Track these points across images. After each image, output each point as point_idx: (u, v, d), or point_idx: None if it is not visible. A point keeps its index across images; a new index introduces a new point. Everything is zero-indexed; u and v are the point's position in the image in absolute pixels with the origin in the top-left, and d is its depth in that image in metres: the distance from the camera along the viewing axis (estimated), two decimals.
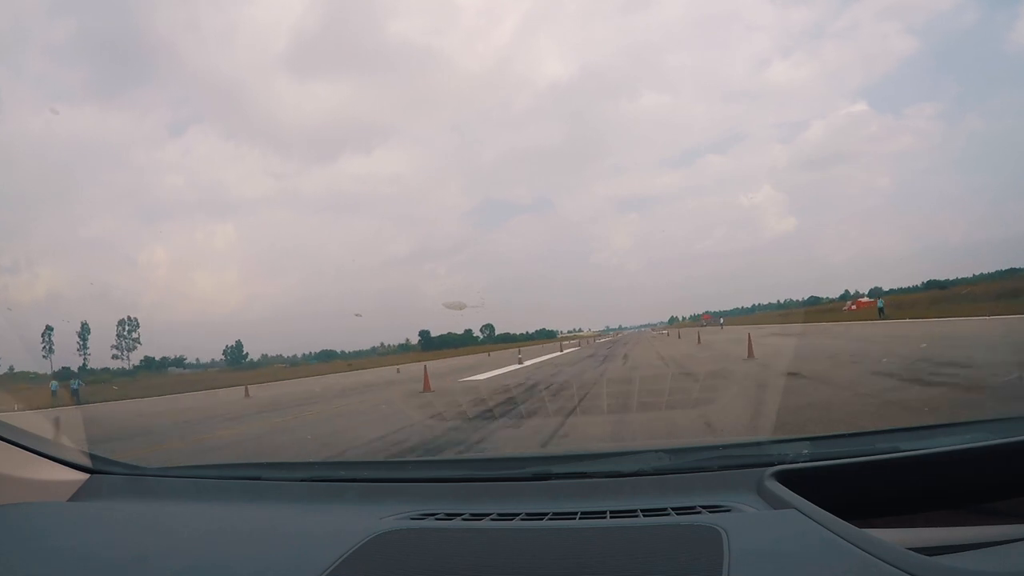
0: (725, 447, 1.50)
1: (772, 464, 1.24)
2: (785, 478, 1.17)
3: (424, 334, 62.83)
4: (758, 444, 1.61)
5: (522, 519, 1.16)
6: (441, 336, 62.36)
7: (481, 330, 66.43)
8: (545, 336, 67.15)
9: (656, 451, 1.45)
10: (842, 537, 0.88)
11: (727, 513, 1.09)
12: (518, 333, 66.15)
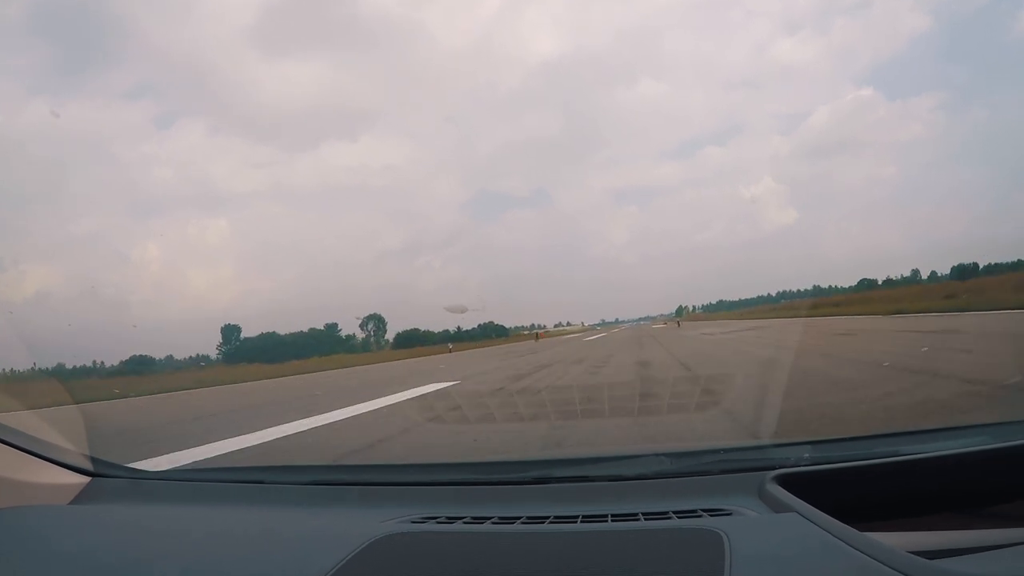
0: (726, 451, 1.50)
1: (773, 467, 1.24)
2: (786, 482, 1.18)
3: (230, 333, 36.72)
4: (759, 448, 1.61)
5: (523, 522, 1.16)
6: (270, 337, 37.06)
7: (363, 326, 42.68)
8: (494, 334, 46.95)
9: (657, 455, 1.45)
10: (843, 541, 0.88)
11: (728, 517, 1.09)
12: (437, 332, 45.20)
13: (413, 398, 7.09)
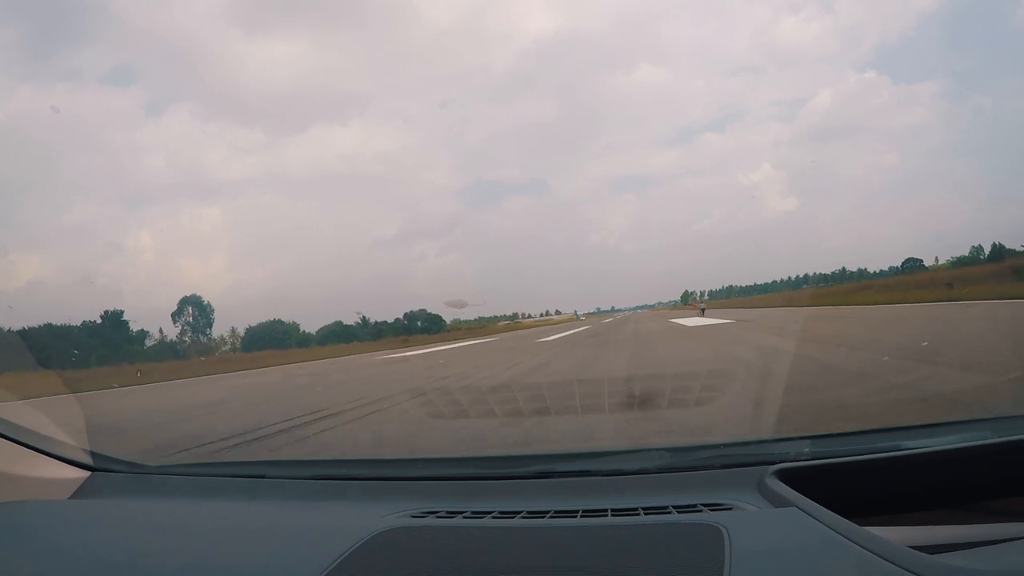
0: (727, 445, 1.50)
1: (773, 462, 1.24)
2: (786, 476, 1.18)
3: None
4: (759, 443, 1.61)
5: (524, 517, 1.16)
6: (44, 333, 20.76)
7: (176, 316, 30.61)
8: (427, 328, 35.18)
9: (658, 449, 1.45)
10: (843, 535, 0.88)
11: (728, 511, 1.09)
12: (289, 322, 32.78)
13: None
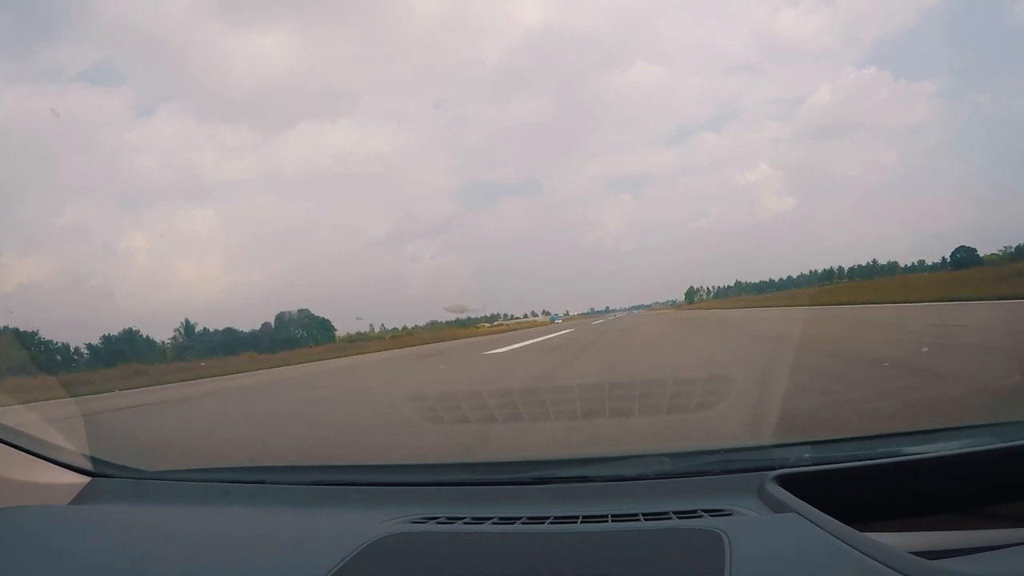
0: (727, 451, 1.50)
1: (773, 468, 1.24)
2: (786, 482, 1.17)
3: None
4: (760, 448, 1.61)
5: (524, 523, 1.16)
6: None
7: None
8: (275, 342, 24.97)
9: (658, 455, 1.45)
10: (843, 541, 0.88)
11: (728, 517, 1.09)
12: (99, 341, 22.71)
13: None
